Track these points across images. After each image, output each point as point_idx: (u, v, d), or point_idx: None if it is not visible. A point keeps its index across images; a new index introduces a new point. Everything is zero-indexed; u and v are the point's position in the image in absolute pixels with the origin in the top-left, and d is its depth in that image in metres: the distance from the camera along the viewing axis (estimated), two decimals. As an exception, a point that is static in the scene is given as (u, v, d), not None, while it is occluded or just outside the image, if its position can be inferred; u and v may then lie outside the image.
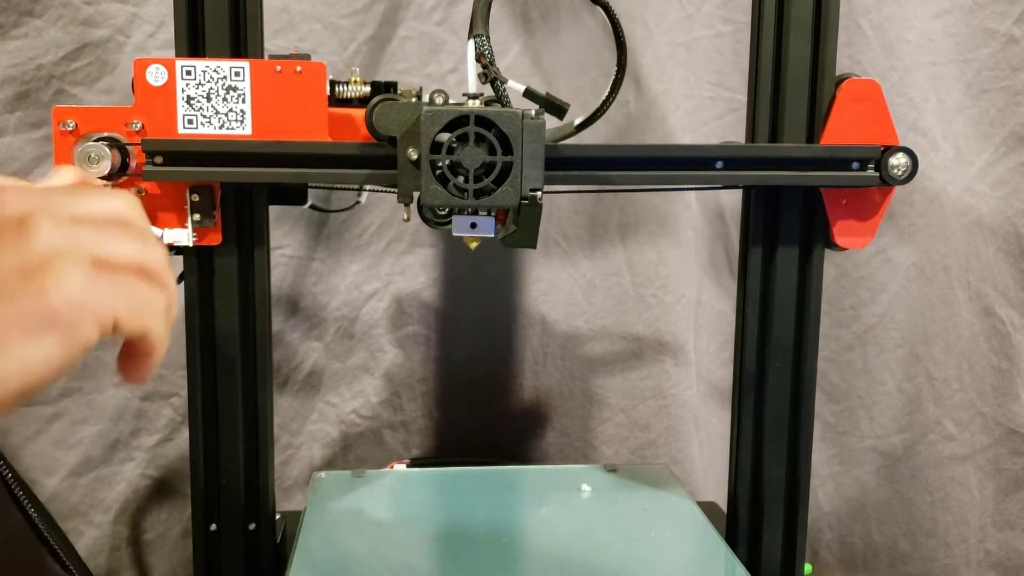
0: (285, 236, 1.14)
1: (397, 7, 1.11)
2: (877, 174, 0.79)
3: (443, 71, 1.12)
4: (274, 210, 1.11)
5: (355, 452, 1.20)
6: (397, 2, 1.11)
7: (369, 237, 1.16)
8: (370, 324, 1.18)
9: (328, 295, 1.17)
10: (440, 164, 0.71)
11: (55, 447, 1.10)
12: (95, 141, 0.71)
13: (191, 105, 0.73)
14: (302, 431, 1.19)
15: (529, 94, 0.81)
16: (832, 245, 0.83)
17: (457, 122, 0.71)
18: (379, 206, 1.14)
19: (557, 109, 0.82)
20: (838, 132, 0.80)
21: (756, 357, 0.86)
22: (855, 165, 0.79)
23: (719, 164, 0.79)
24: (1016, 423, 1.21)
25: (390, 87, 0.81)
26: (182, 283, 0.80)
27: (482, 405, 1.22)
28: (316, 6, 1.09)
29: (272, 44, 1.07)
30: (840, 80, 0.80)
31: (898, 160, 0.79)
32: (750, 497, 0.88)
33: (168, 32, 0.95)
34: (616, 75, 0.81)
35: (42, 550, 0.87)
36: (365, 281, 1.17)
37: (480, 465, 1.03)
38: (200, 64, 0.73)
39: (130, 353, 0.48)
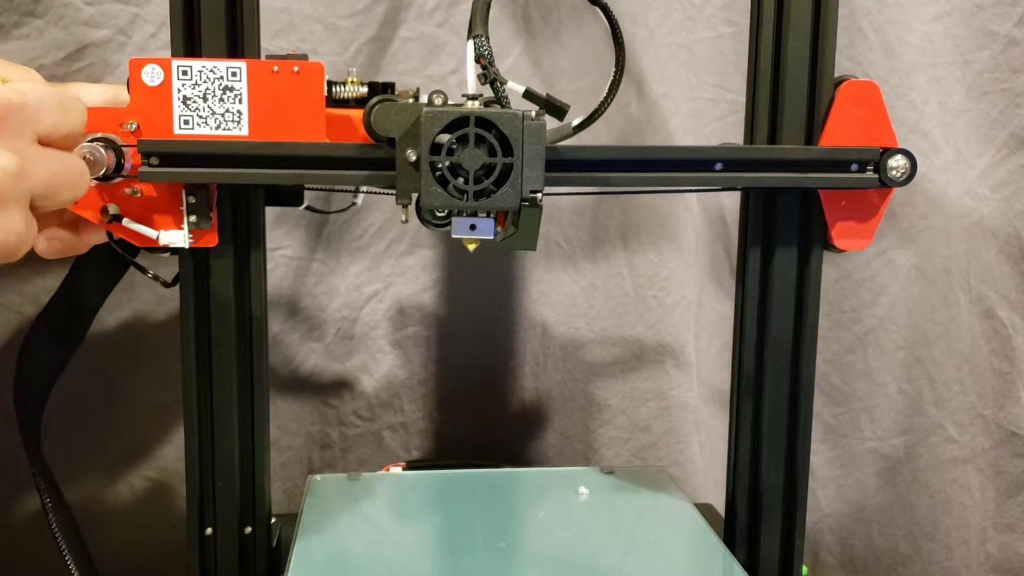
0: (285, 236, 1.14)
1: (398, 8, 1.11)
2: (876, 176, 0.79)
3: (444, 72, 1.12)
4: (274, 211, 1.12)
5: (355, 454, 1.20)
6: (398, 3, 1.10)
7: (370, 238, 1.16)
8: (370, 325, 1.18)
9: (328, 296, 1.17)
10: (440, 165, 0.71)
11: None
12: (90, 142, 0.70)
13: (187, 105, 0.73)
14: (302, 433, 1.19)
15: (529, 95, 0.81)
16: (831, 247, 0.83)
17: (457, 123, 0.71)
18: (379, 207, 1.14)
19: (557, 110, 0.82)
20: (837, 134, 0.80)
21: (754, 359, 0.86)
22: (854, 167, 0.79)
23: (718, 166, 0.79)
24: (1017, 425, 1.21)
25: (387, 88, 0.81)
26: (177, 285, 0.80)
27: (483, 407, 1.22)
28: (317, 7, 1.09)
29: (273, 45, 1.07)
30: (839, 82, 0.80)
31: (897, 162, 0.79)
32: (748, 499, 0.87)
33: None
34: (614, 75, 0.81)
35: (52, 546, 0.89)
36: (365, 282, 1.17)
37: (476, 467, 1.03)
38: (196, 64, 0.73)
39: None
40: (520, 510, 0.94)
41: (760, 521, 0.87)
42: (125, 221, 0.74)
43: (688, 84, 1.17)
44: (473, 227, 0.75)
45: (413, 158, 0.72)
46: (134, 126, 0.73)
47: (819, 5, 0.80)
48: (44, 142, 0.60)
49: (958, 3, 1.15)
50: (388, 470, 1.02)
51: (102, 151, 0.70)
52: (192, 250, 0.77)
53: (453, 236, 0.75)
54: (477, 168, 0.71)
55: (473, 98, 0.73)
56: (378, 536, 0.86)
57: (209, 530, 0.82)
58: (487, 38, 0.72)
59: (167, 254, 0.77)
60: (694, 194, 1.19)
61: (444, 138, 0.71)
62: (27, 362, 0.89)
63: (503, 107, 0.73)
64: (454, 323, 1.19)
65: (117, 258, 0.81)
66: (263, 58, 0.76)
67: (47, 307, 0.89)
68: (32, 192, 0.59)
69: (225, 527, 0.83)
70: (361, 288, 1.17)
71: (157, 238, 0.75)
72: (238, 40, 0.76)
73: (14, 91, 0.58)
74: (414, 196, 0.73)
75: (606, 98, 0.82)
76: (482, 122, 0.71)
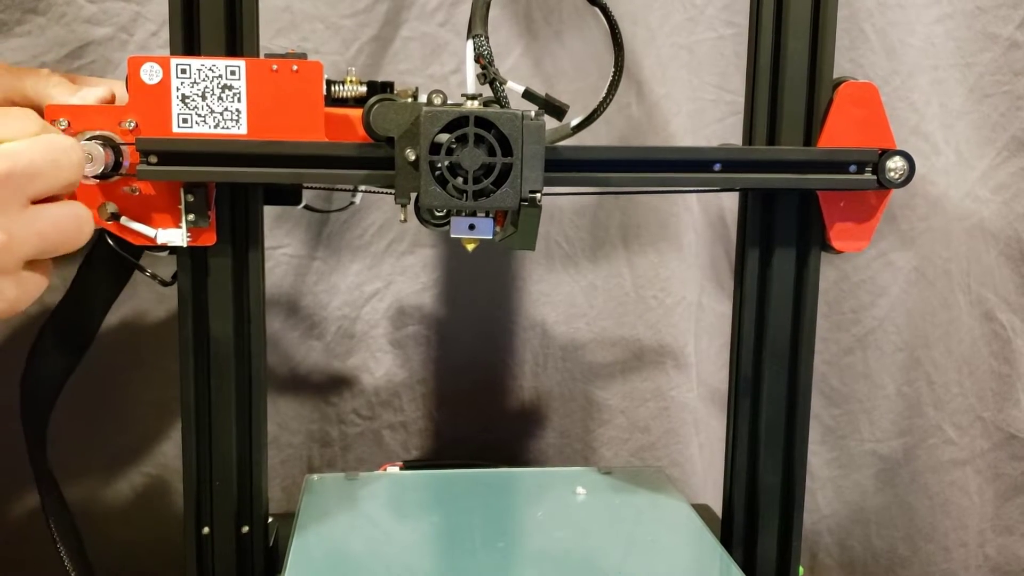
0: (286, 235, 1.14)
1: (400, 8, 1.11)
2: (874, 177, 0.79)
3: (445, 72, 1.12)
4: (275, 209, 1.12)
5: (355, 452, 1.20)
6: (400, 3, 1.10)
7: (370, 237, 1.16)
8: (371, 324, 1.18)
9: (329, 295, 1.17)
10: (439, 165, 0.71)
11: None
12: (88, 140, 0.71)
13: (186, 104, 0.73)
14: (302, 431, 1.19)
15: (528, 95, 0.81)
16: (829, 248, 0.82)
17: (456, 123, 0.71)
18: (379, 206, 1.14)
19: (556, 110, 0.82)
20: (835, 135, 0.80)
21: (752, 360, 0.86)
22: (852, 168, 0.79)
23: (716, 166, 0.78)
24: (1016, 428, 1.21)
25: (387, 87, 0.81)
26: (175, 283, 0.80)
27: (482, 406, 1.22)
28: (318, 6, 1.09)
29: (274, 44, 1.07)
30: (837, 83, 0.80)
31: (895, 163, 0.78)
32: (745, 500, 0.87)
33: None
34: (613, 76, 0.81)
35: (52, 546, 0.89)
36: (366, 281, 1.17)
37: (474, 467, 1.03)
38: (195, 62, 0.73)
39: None
40: (518, 510, 0.94)
41: (757, 522, 0.87)
42: (123, 219, 0.74)
43: (689, 85, 1.17)
44: (472, 227, 0.75)
45: (412, 157, 0.72)
46: (133, 124, 0.73)
47: (818, 6, 0.80)
48: (37, 200, 0.60)
49: (960, 5, 1.15)
50: (385, 470, 1.02)
51: (100, 149, 0.70)
52: (190, 249, 0.77)
53: (452, 236, 0.75)
54: (476, 168, 0.71)
55: (472, 98, 0.72)
56: (375, 536, 0.86)
57: (206, 529, 0.83)
58: (486, 38, 0.72)
59: (165, 253, 0.77)
60: (695, 195, 1.19)
61: (443, 138, 0.71)
62: (32, 371, 0.88)
63: (502, 107, 0.73)
64: (454, 322, 1.20)
65: (122, 265, 0.81)
66: (262, 57, 0.76)
67: (53, 315, 0.89)
68: (26, 257, 0.58)
69: (222, 526, 0.83)
70: (362, 287, 1.17)
71: (155, 237, 0.75)
72: (237, 39, 0.76)
73: (2, 157, 0.57)
74: (413, 196, 0.73)
75: (605, 99, 0.82)
76: (481, 122, 0.71)
